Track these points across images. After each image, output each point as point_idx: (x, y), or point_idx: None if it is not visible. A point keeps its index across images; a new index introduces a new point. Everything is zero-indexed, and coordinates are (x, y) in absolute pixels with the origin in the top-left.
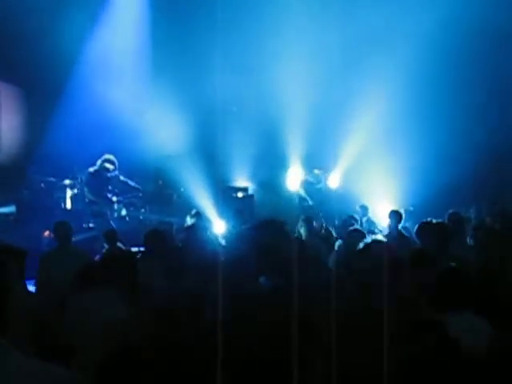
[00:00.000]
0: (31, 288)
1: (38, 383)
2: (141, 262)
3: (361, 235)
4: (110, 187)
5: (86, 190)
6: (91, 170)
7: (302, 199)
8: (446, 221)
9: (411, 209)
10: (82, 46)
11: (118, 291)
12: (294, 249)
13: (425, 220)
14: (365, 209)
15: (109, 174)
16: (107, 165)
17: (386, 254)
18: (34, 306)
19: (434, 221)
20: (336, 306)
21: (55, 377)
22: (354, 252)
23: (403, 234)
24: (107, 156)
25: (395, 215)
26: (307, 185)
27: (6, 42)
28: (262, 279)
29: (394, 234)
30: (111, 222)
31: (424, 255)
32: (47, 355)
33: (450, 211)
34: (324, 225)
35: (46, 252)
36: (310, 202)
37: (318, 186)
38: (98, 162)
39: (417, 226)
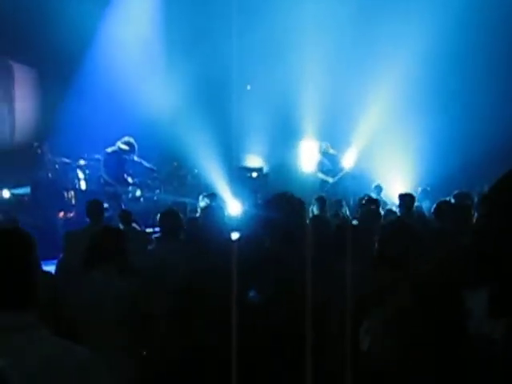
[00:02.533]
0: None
1: (64, 363)
2: (157, 243)
3: (377, 215)
4: (126, 168)
5: (102, 169)
6: (109, 150)
7: (322, 181)
8: (453, 200)
9: (428, 188)
10: (97, 25)
11: (116, 266)
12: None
13: (442, 199)
14: (379, 189)
15: (125, 156)
16: (125, 146)
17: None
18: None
19: (452, 200)
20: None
21: (81, 357)
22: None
23: (415, 216)
24: (126, 138)
25: (406, 198)
26: (323, 164)
27: (20, 23)
28: (251, 293)
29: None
30: (126, 204)
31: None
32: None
33: (456, 192)
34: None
35: (74, 230)
36: (330, 181)
37: (334, 166)
38: (117, 144)
39: (434, 205)
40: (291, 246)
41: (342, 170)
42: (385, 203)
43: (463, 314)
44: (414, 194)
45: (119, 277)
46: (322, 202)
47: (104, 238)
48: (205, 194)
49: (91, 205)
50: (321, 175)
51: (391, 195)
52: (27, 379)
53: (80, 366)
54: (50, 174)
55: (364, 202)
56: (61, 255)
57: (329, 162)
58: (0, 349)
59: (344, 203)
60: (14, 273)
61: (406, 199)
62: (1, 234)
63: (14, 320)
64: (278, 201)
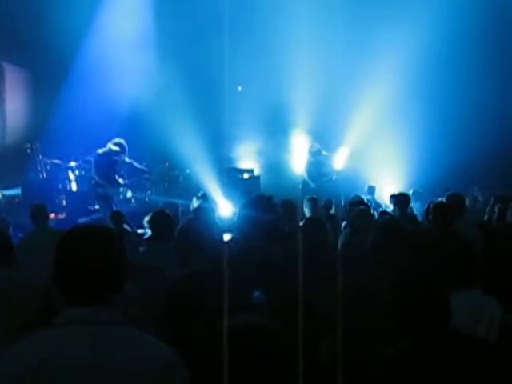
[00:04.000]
0: None
1: (146, 360)
2: (148, 244)
3: (369, 215)
4: (117, 170)
5: (93, 170)
6: (100, 151)
7: (304, 183)
8: (446, 201)
9: (420, 191)
10: (88, 26)
11: None
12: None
13: (434, 200)
14: (372, 189)
15: (116, 157)
16: (116, 148)
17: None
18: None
19: (444, 201)
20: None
21: (163, 352)
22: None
23: (411, 217)
24: (117, 139)
25: (402, 199)
26: (311, 167)
27: (12, 24)
28: (255, 293)
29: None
30: (117, 205)
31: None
32: None
33: (449, 192)
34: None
35: (24, 236)
36: (313, 185)
37: (323, 168)
38: (108, 145)
39: (425, 206)
40: (272, 245)
41: (330, 173)
42: (378, 204)
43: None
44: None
45: None
46: (313, 202)
47: None
48: (198, 195)
49: (34, 209)
50: (307, 178)
51: (383, 197)
52: (105, 374)
53: (160, 366)
54: (40, 176)
55: (353, 202)
56: None
57: (317, 165)
58: (85, 341)
59: (332, 204)
60: (109, 267)
61: (398, 199)
62: (94, 229)
63: (102, 314)
64: (255, 203)
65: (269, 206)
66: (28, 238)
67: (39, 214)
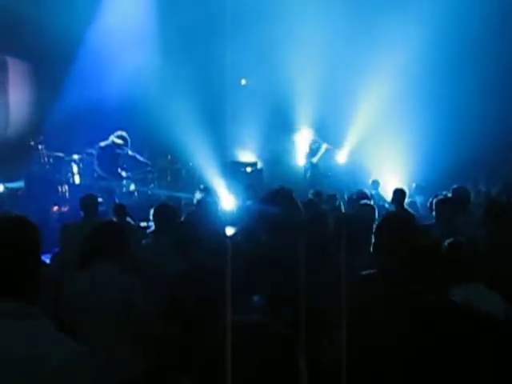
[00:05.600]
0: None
1: (56, 355)
2: (152, 237)
3: (371, 209)
4: (119, 162)
5: (96, 163)
6: (102, 144)
7: (306, 176)
8: (452, 195)
9: (423, 184)
10: (91, 19)
11: (117, 263)
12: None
13: (439, 194)
14: (376, 184)
15: (119, 150)
16: (118, 140)
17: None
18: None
19: (449, 195)
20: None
21: (61, 351)
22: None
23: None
24: (119, 132)
25: (399, 193)
26: (312, 161)
27: (14, 17)
28: (255, 298)
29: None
30: (120, 198)
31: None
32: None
33: (455, 186)
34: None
35: (70, 223)
36: (314, 179)
37: (325, 163)
38: (110, 138)
39: (430, 199)
40: (290, 242)
41: (331, 167)
42: (382, 199)
43: None
44: (406, 190)
45: (121, 274)
46: (318, 196)
47: (106, 233)
48: (200, 188)
49: (85, 199)
50: (307, 172)
51: (387, 191)
52: (9, 370)
53: (62, 366)
54: (44, 168)
55: (355, 197)
56: (56, 249)
57: (319, 159)
58: None
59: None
60: (17, 258)
61: (398, 194)
62: (5, 219)
63: (12, 308)
64: (277, 196)
65: (291, 201)
66: (75, 226)
67: (89, 203)
